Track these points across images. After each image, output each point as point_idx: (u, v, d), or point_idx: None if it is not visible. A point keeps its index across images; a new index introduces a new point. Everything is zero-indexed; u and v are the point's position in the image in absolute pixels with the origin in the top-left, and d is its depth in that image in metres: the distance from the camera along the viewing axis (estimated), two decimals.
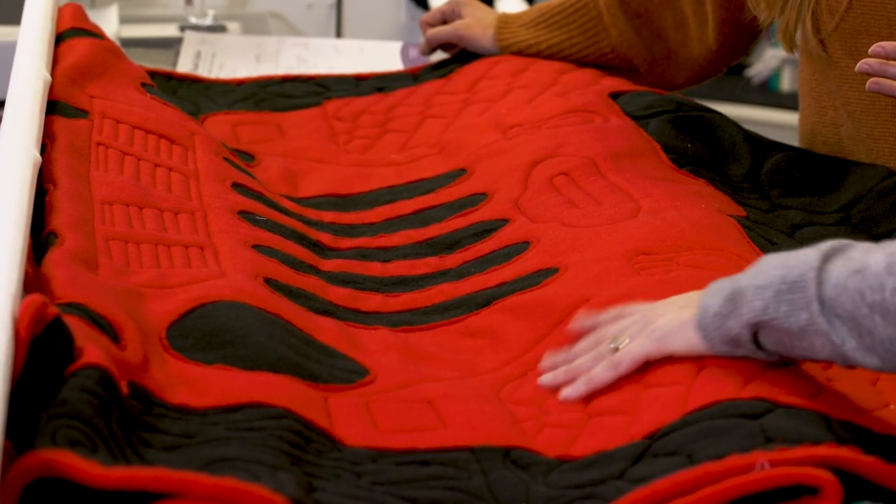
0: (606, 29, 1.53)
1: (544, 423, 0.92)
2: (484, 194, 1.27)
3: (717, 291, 0.91)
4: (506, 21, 1.58)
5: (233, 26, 1.94)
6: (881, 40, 1.28)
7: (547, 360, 0.99)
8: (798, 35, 1.34)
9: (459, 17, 1.61)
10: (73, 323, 0.85)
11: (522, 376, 1.00)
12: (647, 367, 0.94)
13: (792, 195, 1.29)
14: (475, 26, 1.58)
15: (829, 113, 1.37)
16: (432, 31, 1.61)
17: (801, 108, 1.44)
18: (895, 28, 1.28)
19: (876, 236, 1.21)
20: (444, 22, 1.63)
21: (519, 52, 1.56)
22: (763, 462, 0.78)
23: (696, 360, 0.93)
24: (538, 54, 1.55)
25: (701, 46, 1.51)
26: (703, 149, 1.33)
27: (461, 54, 1.60)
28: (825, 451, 0.79)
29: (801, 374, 0.92)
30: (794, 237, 1.22)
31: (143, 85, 1.36)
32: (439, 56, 1.64)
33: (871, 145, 1.33)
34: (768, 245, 1.16)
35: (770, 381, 0.89)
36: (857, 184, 1.27)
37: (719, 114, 1.38)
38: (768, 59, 3.28)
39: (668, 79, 1.55)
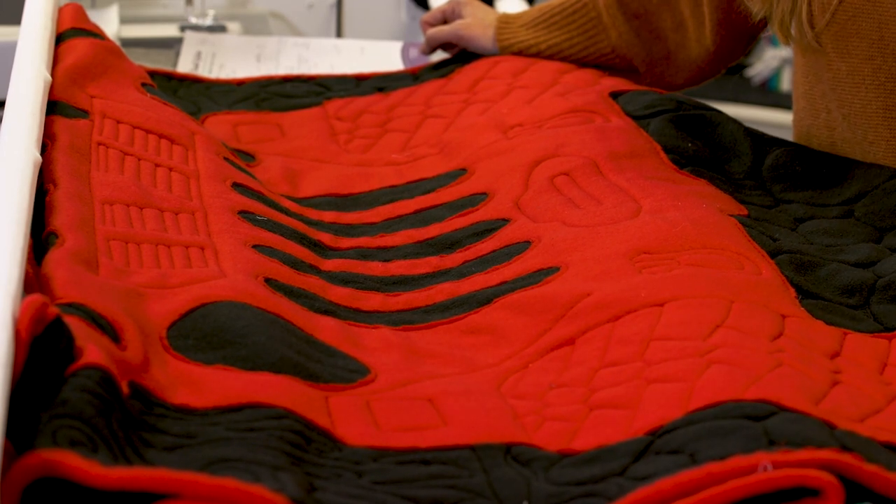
0: (606, 29, 1.53)
1: (545, 416, 0.92)
2: (484, 194, 1.27)
3: None
4: (506, 21, 1.58)
5: (233, 26, 1.94)
6: (872, 44, 1.28)
7: None
8: (793, 28, 1.34)
9: (460, 16, 1.61)
10: (74, 323, 0.85)
11: (523, 369, 1.00)
12: (649, 362, 0.95)
13: (794, 189, 1.29)
14: (475, 26, 1.58)
15: (823, 115, 1.37)
16: (432, 31, 1.61)
17: (795, 110, 1.44)
18: (885, 30, 1.27)
19: (881, 229, 1.21)
20: (445, 22, 1.63)
21: (519, 53, 1.56)
22: (766, 463, 0.78)
23: (702, 357, 0.93)
24: (538, 54, 1.55)
25: (699, 48, 1.51)
26: (704, 147, 1.33)
27: (461, 54, 1.60)
28: (828, 455, 0.78)
29: (807, 370, 0.92)
30: (797, 231, 1.22)
31: (144, 85, 1.35)
32: (440, 56, 1.63)
33: (867, 148, 1.33)
34: (770, 241, 1.16)
35: (775, 382, 0.89)
36: (862, 180, 1.27)
37: (719, 112, 1.38)
38: (768, 59, 3.28)
39: (668, 79, 1.55)
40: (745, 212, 1.22)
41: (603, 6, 1.53)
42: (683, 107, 1.38)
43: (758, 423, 0.83)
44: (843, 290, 1.11)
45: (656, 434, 0.86)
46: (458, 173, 1.32)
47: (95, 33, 1.39)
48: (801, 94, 1.40)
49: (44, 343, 0.79)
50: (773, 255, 1.13)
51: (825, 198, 1.27)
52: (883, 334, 1.05)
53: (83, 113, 1.24)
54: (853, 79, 1.31)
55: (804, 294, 1.09)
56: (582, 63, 1.54)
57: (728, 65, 1.54)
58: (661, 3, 1.51)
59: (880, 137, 1.32)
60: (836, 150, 1.36)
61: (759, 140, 1.34)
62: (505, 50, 1.56)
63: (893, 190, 1.25)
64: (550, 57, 1.54)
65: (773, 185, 1.30)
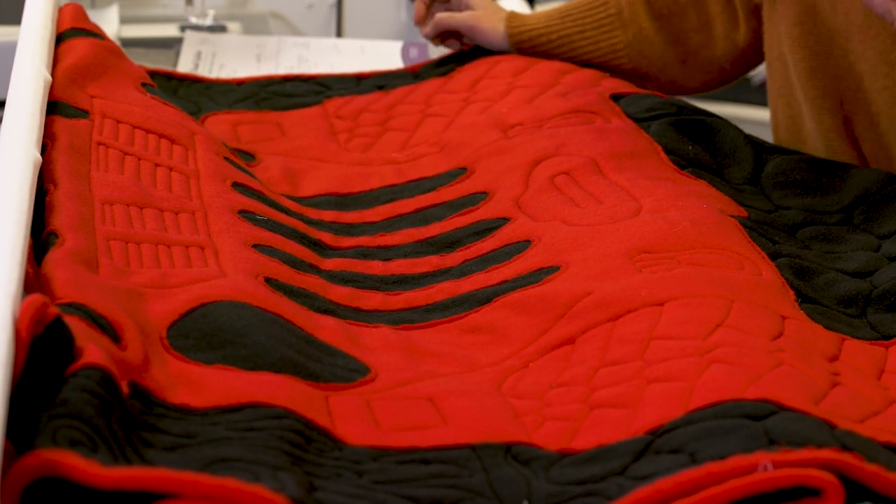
0: (624, 26, 1.52)
1: (545, 416, 0.92)
2: (485, 193, 1.27)
3: None
4: (517, 14, 1.58)
5: (233, 26, 1.94)
6: (805, 9, 1.32)
7: None
8: None
9: (467, 6, 1.60)
10: (74, 323, 0.85)
11: (523, 368, 1.00)
12: (649, 361, 0.95)
13: (793, 196, 1.29)
14: (486, 18, 1.58)
15: (795, 107, 1.40)
16: (443, 16, 1.60)
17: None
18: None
19: (879, 236, 1.21)
20: (448, 8, 1.62)
21: (529, 42, 1.54)
22: (766, 463, 0.77)
23: (702, 356, 0.93)
24: (548, 44, 1.54)
25: (726, 45, 1.50)
26: (704, 152, 1.33)
27: (461, 53, 1.59)
28: (828, 454, 0.78)
29: (807, 370, 0.92)
30: (796, 236, 1.22)
31: (144, 85, 1.35)
32: (440, 54, 1.63)
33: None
34: (770, 244, 1.16)
35: (775, 381, 0.89)
36: (859, 186, 1.27)
37: (720, 118, 1.38)
38: None
39: (680, 82, 1.55)
40: (745, 213, 1.22)
41: (625, 2, 1.53)
42: (684, 111, 1.38)
43: (758, 422, 0.83)
44: (841, 300, 1.11)
45: (656, 433, 0.86)
46: (459, 172, 1.32)
47: (95, 33, 1.39)
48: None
49: (44, 343, 0.79)
50: (772, 257, 1.13)
51: (824, 205, 1.27)
52: (880, 342, 1.05)
53: (83, 113, 1.24)
54: (787, 41, 1.33)
55: (803, 298, 1.09)
56: (588, 62, 1.54)
57: (751, 66, 1.54)
58: (690, 2, 1.51)
59: (807, 97, 1.36)
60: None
61: (760, 147, 1.34)
62: (514, 38, 1.55)
63: (890, 195, 1.25)
64: (560, 49, 1.54)
65: (773, 192, 1.30)
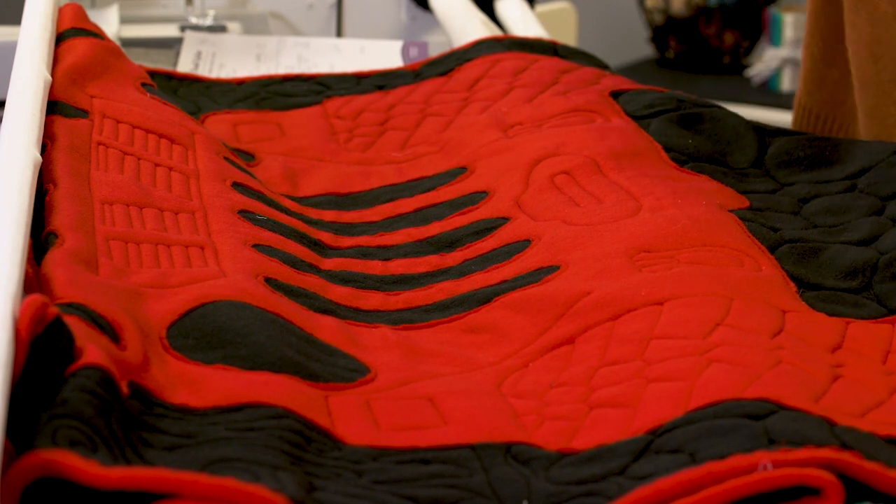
0: None
1: (545, 415, 0.92)
2: (485, 192, 1.27)
3: None
4: None
5: (233, 26, 1.94)
6: None
7: None
8: None
9: None
10: (74, 323, 0.85)
11: (523, 368, 1.00)
12: (649, 361, 0.95)
13: (798, 172, 1.28)
14: None
15: None
16: None
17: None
18: None
19: (883, 198, 1.21)
20: None
21: None
22: (766, 463, 0.77)
23: (702, 355, 0.93)
24: None
25: None
26: (706, 143, 1.33)
27: (461, 51, 1.59)
28: (828, 454, 0.78)
29: (807, 367, 0.92)
30: (800, 214, 1.21)
31: (144, 85, 1.35)
32: (440, 52, 1.63)
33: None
34: (771, 233, 1.16)
35: (775, 380, 0.89)
36: (865, 157, 1.27)
37: (720, 107, 1.38)
38: (768, 60, 3.28)
39: None
40: (748, 203, 1.22)
41: None
42: (684, 105, 1.37)
43: (758, 421, 0.83)
44: (846, 272, 1.10)
45: (656, 433, 0.86)
46: (458, 171, 1.32)
47: (95, 33, 1.39)
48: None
49: (44, 343, 0.79)
50: (773, 247, 1.13)
51: (828, 175, 1.26)
52: (886, 319, 1.04)
53: (83, 113, 1.24)
54: None
55: (805, 286, 1.08)
56: None
57: None
58: None
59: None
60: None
61: (762, 131, 1.34)
62: None
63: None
64: None
65: (777, 171, 1.29)
